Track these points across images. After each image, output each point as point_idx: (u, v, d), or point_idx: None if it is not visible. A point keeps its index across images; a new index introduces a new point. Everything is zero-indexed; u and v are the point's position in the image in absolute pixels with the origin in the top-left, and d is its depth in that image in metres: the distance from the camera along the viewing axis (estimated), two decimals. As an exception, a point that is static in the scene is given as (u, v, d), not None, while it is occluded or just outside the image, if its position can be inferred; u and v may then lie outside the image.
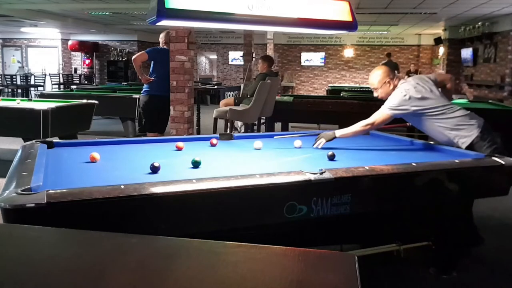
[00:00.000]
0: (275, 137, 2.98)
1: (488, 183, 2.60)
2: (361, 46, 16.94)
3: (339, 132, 3.00)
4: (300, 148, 2.98)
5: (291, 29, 3.34)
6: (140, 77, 5.24)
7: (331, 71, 17.30)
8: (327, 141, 2.96)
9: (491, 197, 2.85)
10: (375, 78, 3.07)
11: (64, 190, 1.69)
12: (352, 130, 2.99)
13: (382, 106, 2.98)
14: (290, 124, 7.10)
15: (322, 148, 2.91)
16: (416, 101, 2.88)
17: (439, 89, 3.11)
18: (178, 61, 4.74)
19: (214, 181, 1.89)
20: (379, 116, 2.97)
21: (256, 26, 2.91)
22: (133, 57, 5.11)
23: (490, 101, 7.58)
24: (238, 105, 6.25)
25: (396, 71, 10.02)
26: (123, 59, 17.05)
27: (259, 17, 2.41)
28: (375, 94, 3.12)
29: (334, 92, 10.90)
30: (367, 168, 2.21)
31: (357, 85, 14.98)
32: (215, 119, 6.16)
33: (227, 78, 18.10)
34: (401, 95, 2.91)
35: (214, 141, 3.10)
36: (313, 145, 2.98)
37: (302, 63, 17.45)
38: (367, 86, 13.38)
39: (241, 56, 14.02)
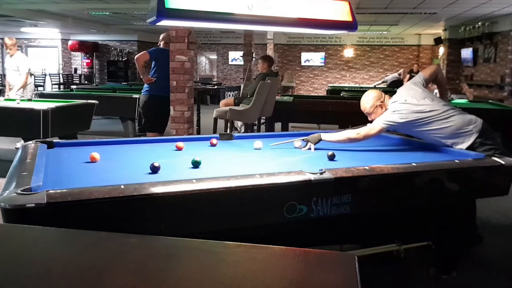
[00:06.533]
0: (271, 144, 2.98)
1: (488, 183, 2.60)
2: (361, 46, 16.94)
3: (324, 136, 3.01)
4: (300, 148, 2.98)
5: (291, 29, 3.34)
6: (142, 77, 5.28)
7: (331, 71, 17.30)
8: (315, 144, 2.97)
9: (491, 197, 2.85)
10: (367, 103, 3.08)
11: (64, 190, 1.69)
12: (338, 138, 2.99)
13: (374, 121, 2.99)
14: (290, 124, 7.09)
15: (322, 148, 2.91)
16: (408, 116, 2.88)
17: (435, 92, 3.16)
18: (178, 61, 4.74)
19: (214, 181, 1.89)
20: (368, 130, 2.96)
21: (256, 26, 2.91)
22: (136, 56, 5.18)
23: (490, 101, 7.58)
24: (238, 105, 6.25)
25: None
26: (123, 59, 17.04)
27: (259, 17, 2.41)
28: (369, 118, 3.13)
29: (334, 92, 10.88)
30: (367, 168, 2.21)
31: (357, 85, 14.97)
32: (215, 119, 6.16)
33: (227, 78, 18.10)
34: (393, 114, 2.91)
35: (214, 141, 3.10)
36: (302, 149, 2.98)
37: (302, 63, 17.44)
38: (367, 86, 13.39)
39: (241, 56, 14.01)
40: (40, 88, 15.17)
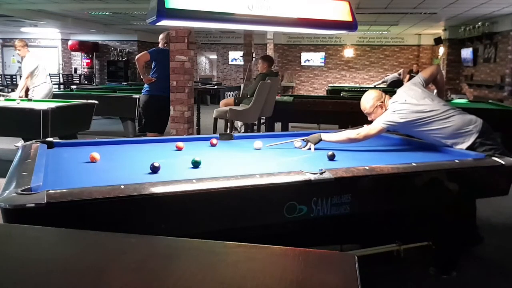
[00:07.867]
0: (266, 145, 2.97)
1: (488, 183, 2.60)
2: (361, 46, 16.94)
3: (325, 136, 3.00)
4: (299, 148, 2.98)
5: (291, 29, 3.34)
6: (142, 77, 5.30)
7: (331, 71, 17.30)
8: (315, 144, 2.97)
9: (491, 197, 2.85)
10: (367, 103, 3.08)
11: (64, 190, 1.69)
12: (338, 138, 2.99)
13: (374, 122, 2.99)
14: (290, 124, 7.09)
15: (322, 148, 2.91)
16: (408, 116, 2.88)
17: (435, 91, 3.25)
18: (178, 61, 4.75)
19: (214, 181, 1.89)
20: (368, 130, 2.96)
21: (256, 26, 2.91)
22: (136, 57, 5.21)
23: (490, 101, 7.58)
24: (238, 105, 6.25)
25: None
26: (123, 59, 17.05)
27: (259, 17, 2.41)
28: (369, 118, 3.13)
29: (334, 92, 10.88)
30: (367, 168, 2.21)
31: (357, 85, 14.97)
32: (215, 119, 6.16)
33: (227, 78, 18.10)
34: (394, 114, 2.91)
35: (214, 141, 3.10)
36: (302, 149, 2.98)
37: (302, 63, 17.44)
38: (367, 86, 13.39)
39: (241, 56, 14.01)
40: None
